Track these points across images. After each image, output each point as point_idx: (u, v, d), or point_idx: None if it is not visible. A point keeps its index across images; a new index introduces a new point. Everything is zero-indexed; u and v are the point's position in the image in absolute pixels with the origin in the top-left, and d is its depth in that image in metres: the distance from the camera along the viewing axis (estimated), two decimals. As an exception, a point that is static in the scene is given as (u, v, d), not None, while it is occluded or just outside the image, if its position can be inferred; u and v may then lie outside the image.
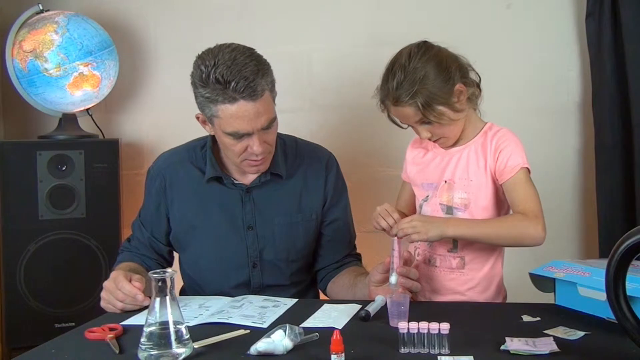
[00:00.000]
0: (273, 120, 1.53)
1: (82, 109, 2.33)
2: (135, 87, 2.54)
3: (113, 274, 1.46)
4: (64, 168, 2.19)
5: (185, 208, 1.64)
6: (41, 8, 2.28)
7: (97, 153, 2.23)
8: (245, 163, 1.57)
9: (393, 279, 1.42)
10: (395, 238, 1.45)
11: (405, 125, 1.58)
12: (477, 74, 1.57)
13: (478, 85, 1.57)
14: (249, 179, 1.65)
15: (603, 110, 2.20)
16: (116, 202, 2.27)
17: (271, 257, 1.63)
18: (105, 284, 1.45)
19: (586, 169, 2.32)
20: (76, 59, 2.19)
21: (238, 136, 1.50)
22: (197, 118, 1.59)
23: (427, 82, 1.46)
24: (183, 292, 1.74)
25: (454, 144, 1.60)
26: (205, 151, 1.66)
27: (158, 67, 2.53)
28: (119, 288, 1.41)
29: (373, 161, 2.41)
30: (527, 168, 1.52)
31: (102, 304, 1.45)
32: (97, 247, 2.21)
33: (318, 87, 2.43)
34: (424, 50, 1.51)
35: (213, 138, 1.65)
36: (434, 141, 1.58)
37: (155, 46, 2.53)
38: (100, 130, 2.44)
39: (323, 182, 1.70)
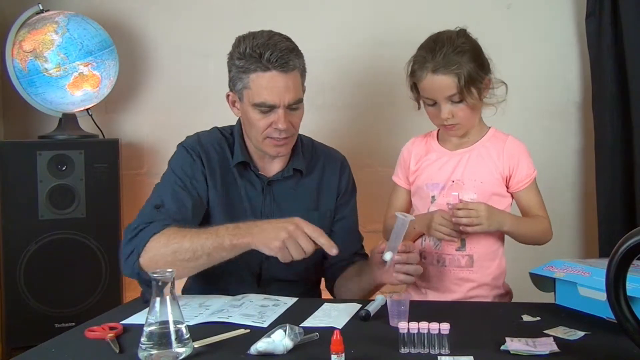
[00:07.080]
0: (299, 101, 1.59)
1: (82, 109, 2.33)
2: (135, 87, 2.54)
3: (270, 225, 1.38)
4: (64, 168, 2.19)
5: (213, 189, 1.62)
6: (41, 8, 2.28)
7: (97, 153, 2.23)
8: (268, 142, 1.58)
9: (387, 255, 1.41)
10: (399, 216, 1.40)
11: (426, 102, 1.57)
12: (505, 83, 1.62)
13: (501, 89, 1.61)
14: (271, 171, 1.67)
15: (603, 110, 2.20)
16: (116, 202, 2.26)
17: None
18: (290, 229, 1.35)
19: (586, 169, 2.32)
20: (76, 59, 2.19)
21: (265, 108, 1.54)
22: (227, 97, 1.63)
23: (470, 60, 1.52)
24: (186, 288, 1.72)
25: (458, 145, 1.62)
26: (234, 137, 1.67)
27: (158, 67, 2.53)
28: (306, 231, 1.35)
29: (373, 161, 2.41)
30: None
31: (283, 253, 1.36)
32: (97, 247, 2.20)
33: (317, 87, 2.42)
34: (466, 35, 1.58)
35: (240, 125, 1.68)
36: (448, 126, 1.57)
37: (155, 46, 2.53)
38: (100, 130, 2.44)
39: (337, 180, 1.74)
